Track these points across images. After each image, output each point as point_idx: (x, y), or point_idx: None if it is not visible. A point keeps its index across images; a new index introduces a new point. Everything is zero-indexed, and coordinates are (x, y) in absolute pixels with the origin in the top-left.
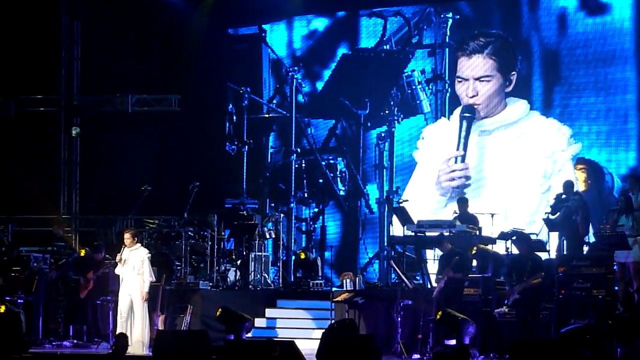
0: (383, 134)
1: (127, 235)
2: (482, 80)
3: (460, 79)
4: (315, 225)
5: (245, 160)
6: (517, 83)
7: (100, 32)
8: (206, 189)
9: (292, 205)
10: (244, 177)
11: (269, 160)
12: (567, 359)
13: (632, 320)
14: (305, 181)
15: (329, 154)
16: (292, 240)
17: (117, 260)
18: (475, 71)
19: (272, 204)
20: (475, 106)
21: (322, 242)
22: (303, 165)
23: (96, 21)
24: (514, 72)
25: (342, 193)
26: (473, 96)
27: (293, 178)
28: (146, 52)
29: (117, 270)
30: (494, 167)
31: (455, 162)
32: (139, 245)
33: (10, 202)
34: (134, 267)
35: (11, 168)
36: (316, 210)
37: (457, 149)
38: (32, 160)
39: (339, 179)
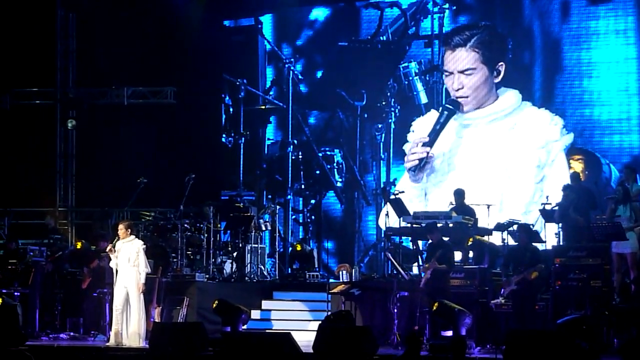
0: (380, 125)
1: (121, 227)
2: (467, 73)
3: (446, 73)
4: (313, 217)
5: (242, 152)
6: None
7: (96, 25)
8: (202, 181)
9: (289, 196)
10: (241, 168)
11: (265, 152)
12: (563, 349)
13: (629, 311)
14: (302, 173)
15: (326, 145)
16: (289, 232)
17: (107, 251)
18: (459, 64)
19: (269, 196)
20: (462, 99)
21: (319, 233)
22: (300, 156)
23: (91, 13)
24: (501, 63)
25: (339, 184)
26: (459, 89)
27: (290, 170)
28: (142, 44)
29: (112, 264)
30: (487, 158)
31: (423, 145)
32: (133, 237)
33: (6, 194)
34: (129, 259)
35: (7, 161)
36: (313, 201)
37: (428, 135)
38: (28, 152)
39: (335, 170)
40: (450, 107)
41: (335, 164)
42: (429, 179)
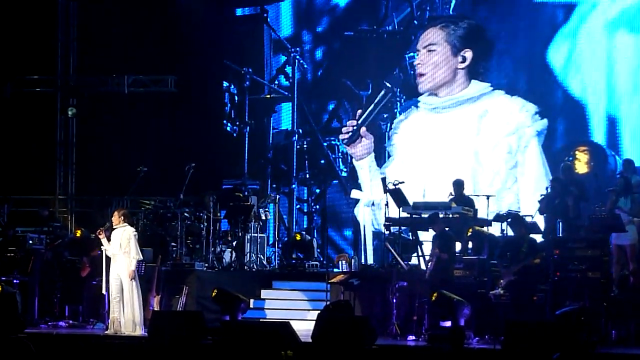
0: (385, 115)
1: (115, 214)
2: (428, 49)
3: (416, 52)
4: (317, 206)
5: (246, 141)
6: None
7: (97, 13)
8: (202, 170)
9: (293, 186)
10: (246, 158)
11: (270, 141)
12: (561, 340)
13: (627, 303)
14: (307, 162)
15: (331, 135)
16: (294, 221)
17: (97, 234)
18: (425, 41)
19: (274, 185)
20: (421, 77)
21: (323, 222)
22: (305, 146)
23: (93, 2)
24: (468, 49)
25: (344, 174)
26: (418, 64)
27: (295, 159)
28: (143, 33)
29: (103, 248)
30: (458, 145)
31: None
32: (125, 224)
33: (6, 182)
34: (121, 245)
35: (7, 148)
36: (318, 191)
37: (363, 109)
38: (28, 140)
39: (340, 160)
40: (388, 84)
41: (340, 154)
42: (395, 165)
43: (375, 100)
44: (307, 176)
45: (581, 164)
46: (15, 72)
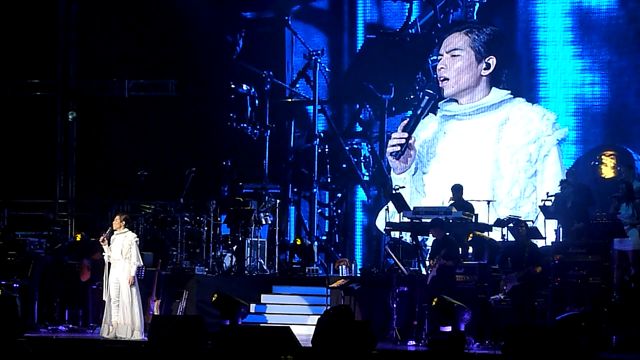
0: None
1: (116, 218)
2: (452, 54)
3: (439, 57)
4: (339, 210)
5: (267, 145)
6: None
7: (98, 17)
8: (202, 174)
9: (315, 190)
10: (266, 161)
11: (291, 144)
12: (562, 346)
13: (628, 308)
14: (328, 166)
15: (353, 138)
16: (315, 226)
17: (100, 241)
18: (449, 46)
19: (295, 189)
20: (444, 81)
21: (345, 227)
22: (326, 150)
23: (93, 5)
24: (492, 56)
25: (366, 178)
26: (441, 68)
27: (316, 163)
28: (143, 36)
29: (105, 256)
30: (478, 153)
31: (402, 131)
32: (126, 229)
33: (6, 186)
34: (122, 252)
35: (7, 152)
36: (339, 195)
37: (409, 118)
38: (29, 144)
39: (362, 164)
40: (431, 91)
41: (362, 158)
42: (417, 175)
43: (421, 106)
44: (329, 180)
45: (607, 169)
46: (15, 76)
